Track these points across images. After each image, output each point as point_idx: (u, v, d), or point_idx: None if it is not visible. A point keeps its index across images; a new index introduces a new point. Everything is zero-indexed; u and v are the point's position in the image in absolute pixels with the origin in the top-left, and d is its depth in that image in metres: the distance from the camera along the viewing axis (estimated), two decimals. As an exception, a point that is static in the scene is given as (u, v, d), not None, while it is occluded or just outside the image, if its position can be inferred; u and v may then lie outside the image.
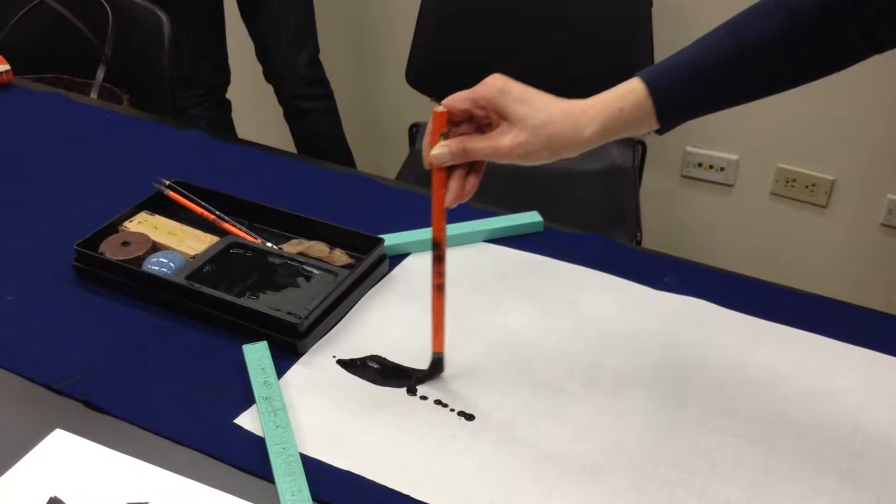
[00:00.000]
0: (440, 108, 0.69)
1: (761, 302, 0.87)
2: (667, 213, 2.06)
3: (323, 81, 1.93)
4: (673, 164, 1.98)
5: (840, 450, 0.71)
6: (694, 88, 0.69)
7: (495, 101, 0.68)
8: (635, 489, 0.67)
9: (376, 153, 2.28)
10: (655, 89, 0.68)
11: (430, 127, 0.70)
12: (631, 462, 0.70)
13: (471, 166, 0.71)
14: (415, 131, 1.80)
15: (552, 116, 0.68)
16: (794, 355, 0.81)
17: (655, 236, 2.06)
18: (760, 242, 1.97)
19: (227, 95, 2.02)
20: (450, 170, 0.71)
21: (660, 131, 0.70)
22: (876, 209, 1.81)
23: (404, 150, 1.79)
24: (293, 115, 1.95)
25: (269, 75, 1.91)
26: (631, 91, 0.68)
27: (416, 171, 1.72)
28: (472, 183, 0.71)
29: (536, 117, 0.67)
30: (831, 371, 0.79)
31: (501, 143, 0.68)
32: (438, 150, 0.69)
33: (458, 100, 0.69)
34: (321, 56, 1.92)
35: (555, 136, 0.68)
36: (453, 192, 0.70)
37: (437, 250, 0.73)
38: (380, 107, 2.28)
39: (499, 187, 1.72)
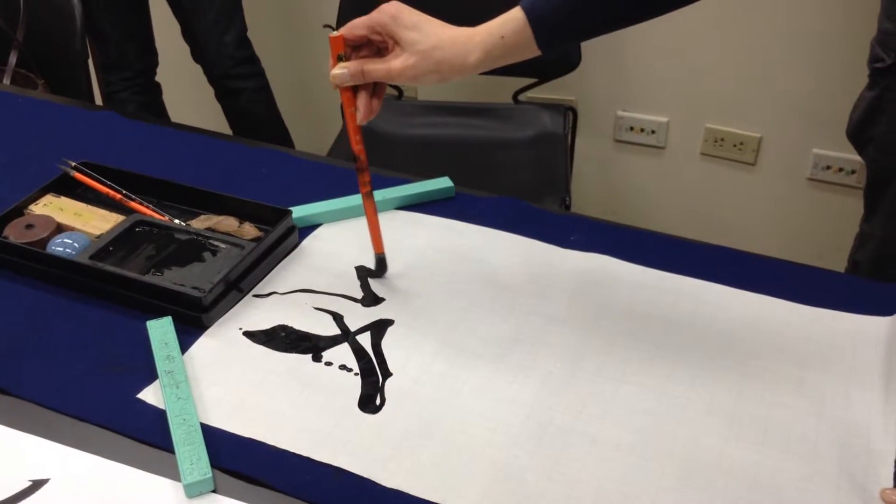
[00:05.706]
0: (335, 33, 0.76)
1: (666, 255, 0.89)
2: (602, 178, 2.08)
3: (252, 60, 1.91)
4: (606, 129, 2.00)
5: (729, 392, 0.73)
6: (571, 15, 0.73)
7: (388, 27, 0.74)
8: (532, 439, 0.69)
9: (313, 130, 2.27)
10: (534, 18, 0.73)
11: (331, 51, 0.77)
12: (528, 414, 0.71)
13: (374, 90, 0.78)
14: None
15: (440, 42, 0.74)
16: (692, 303, 0.83)
17: (591, 201, 2.09)
18: (693, 202, 2.01)
19: (158, 78, 2.00)
20: (357, 91, 0.77)
21: (542, 55, 0.75)
22: (802, 164, 1.84)
23: (339, 125, 1.78)
24: (224, 95, 1.92)
25: (196, 56, 1.88)
26: (512, 19, 0.74)
27: (347, 147, 1.71)
28: (376, 104, 0.79)
29: (425, 43, 0.73)
30: (727, 316, 0.81)
31: (393, 66, 0.74)
32: (338, 71, 0.76)
33: (356, 26, 0.76)
34: (250, 34, 1.90)
35: (442, 61, 0.74)
36: (362, 109, 0.78)
37: (359, 163, 0.82)
38: (313, 83, 2.27)
39: (426, 157, 1.74)
